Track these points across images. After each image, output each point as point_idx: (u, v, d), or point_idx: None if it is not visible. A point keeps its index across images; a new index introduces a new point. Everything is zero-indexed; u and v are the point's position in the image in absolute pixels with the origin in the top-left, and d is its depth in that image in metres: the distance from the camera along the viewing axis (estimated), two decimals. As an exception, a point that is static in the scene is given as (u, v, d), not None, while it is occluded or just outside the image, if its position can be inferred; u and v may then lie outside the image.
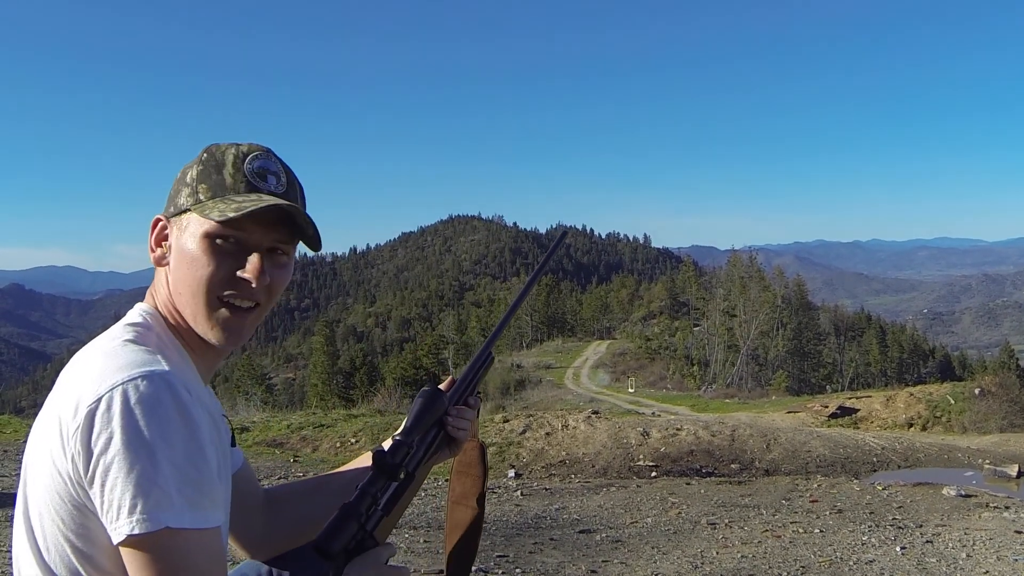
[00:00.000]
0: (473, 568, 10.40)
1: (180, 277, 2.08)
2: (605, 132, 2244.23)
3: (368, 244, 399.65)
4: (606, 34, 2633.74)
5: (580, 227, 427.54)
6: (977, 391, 39.37)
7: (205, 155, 2.13)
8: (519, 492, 17.09)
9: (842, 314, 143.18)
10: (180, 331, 2.12)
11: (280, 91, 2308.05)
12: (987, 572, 10.92)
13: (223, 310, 2.08)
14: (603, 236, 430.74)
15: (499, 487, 17.77)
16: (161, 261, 2.12)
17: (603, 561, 11.25)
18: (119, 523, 1.75)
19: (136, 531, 1.73)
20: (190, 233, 2.06)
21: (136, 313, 2.11)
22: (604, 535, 13.15)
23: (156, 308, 2.13)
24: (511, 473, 20.35)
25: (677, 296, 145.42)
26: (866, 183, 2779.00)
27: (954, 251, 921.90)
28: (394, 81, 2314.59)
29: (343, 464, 2.59)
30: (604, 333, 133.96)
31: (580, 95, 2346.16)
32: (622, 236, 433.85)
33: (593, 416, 25.23)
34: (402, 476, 2.16)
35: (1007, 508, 15.75)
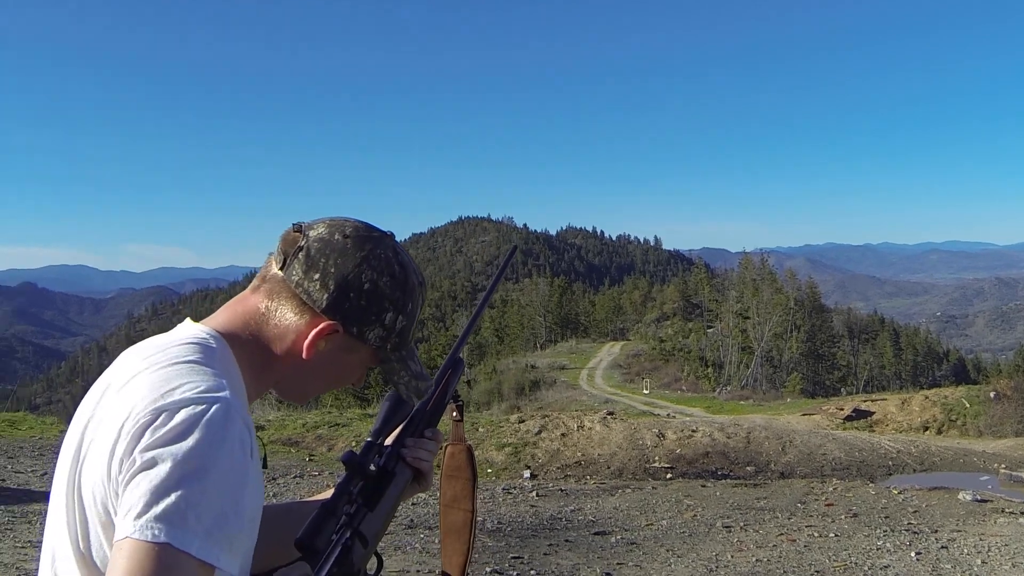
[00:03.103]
0: (488, 569, 10.44)
1: (319, 376, 2.14)
2: (616, 135, 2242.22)
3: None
4: (619, 38, 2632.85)
5: (590, 229, 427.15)
6: (992, 395, 39.23)
7: (410, 306, 2.16)
8: (534, 493, 17.09)
9: (855, 316, 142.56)
10: (258, 365, 2.10)
11: (291, 95, 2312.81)
12: (1003, 579, 10.90)
13: None
14: (613, 238, 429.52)
15: (514, 488, 17.78)
16: (312, 353, 2.08)
17: (618, 564, 11.26)
18: (124, 522, 1.68)
19: (136, 535, 1.65)
20: (358, 359, 2.16)
21: (199, 330, 2.05)
22: (619, 537, 13.15)
23: (234, 335, 2.08)
24: (526, 474, 20.35)
25: (690, 298, 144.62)
26: (876, 186, 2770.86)
27: (965, 254, 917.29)
28: (406, 84, 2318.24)
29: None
30: (618, 334, 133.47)
31: (591, 98, 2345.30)
32: (633, 238, 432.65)
33: (608, 417, 25.22)
34: (374, 471, 2.20)
35: (1023, 514, 15.69)
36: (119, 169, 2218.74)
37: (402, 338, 2.17)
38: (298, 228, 2.14)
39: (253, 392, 2.10)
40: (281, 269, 2.09)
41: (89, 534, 1.85)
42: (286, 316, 2.08)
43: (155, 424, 1.76)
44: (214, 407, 1.79)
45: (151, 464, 1.71)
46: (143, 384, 1.86)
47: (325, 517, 2.00)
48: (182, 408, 1.77)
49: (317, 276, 2.05)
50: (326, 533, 1.99)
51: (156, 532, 1.65)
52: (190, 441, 1.73)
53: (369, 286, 2.07)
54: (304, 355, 2.07)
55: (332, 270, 2.05)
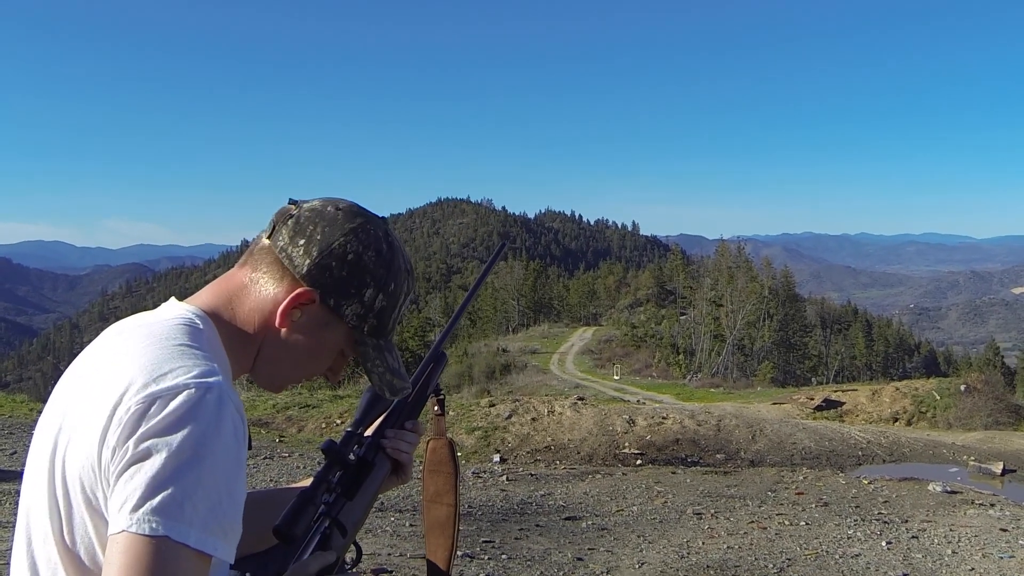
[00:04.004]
0: (459, 553, 10.38)
1: (293, 355, 2.08)
2: (596, 120, 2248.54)
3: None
4: (599, 22, 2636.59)
5: (569, 213, 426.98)
6: (963, 388, 39.43)
7: (393, 286, 2.09)
8: (504, 477, 17.08)
9: (829, 307, 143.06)
10: (237, 342, 2.04)
11: (270, 71, 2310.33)
12: (973, 569, 10.92)
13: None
14: (591, 222, 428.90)
15: (484, 472, 17.78)
16: (286, 323, 2.03)
17: (589, 549, 11.24)
18: (120, 515, 1.65)
19: (132, 529, 1.62)
20: (333, 338, 2.08)
21: (185, 310, 2.00)
22: (590, 523, 13.16)
23: (217, 314, 2.03)
24: (496, 458, 20.37)
25: (664, 284, 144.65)
26: (856, 177, 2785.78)
27: (942, 247, 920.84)
28: (385, 64, 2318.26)
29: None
30: (590, 319, 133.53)
31: (571, 82, 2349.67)
32: (610, 223, 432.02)
33: (579, 402, 25.28)
34: (353, 460, 2.21)
35: (992, 505, 15.76)
36: (99, 144, 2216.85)
37: (380, 321, 2.10)
38: (294, 202, 2.10)
39: (237, 371, 2.05)
40: (268, 238, 2.06)
41: (73, 519, 1.81)
42: (266, 286, 2.03)
43: (149, 412, 1.71)
44: (208, 393, 1.75)
45: (146, 455, 1.68)
46: (133, 367, 1.81)
47: (304, 505, 2.01)
48: (177, 395, 1.73)
49: (302, 242, 2.01)
50: (304, 521, 2.00)
51: (154, 525, 1.63)
52: (185, 430, 1.70)
53: (353, 257, 2.02)
54: (277, 323, 2.01)
55: (318, 237, 2.01)
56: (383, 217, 2.14)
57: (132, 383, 1.76)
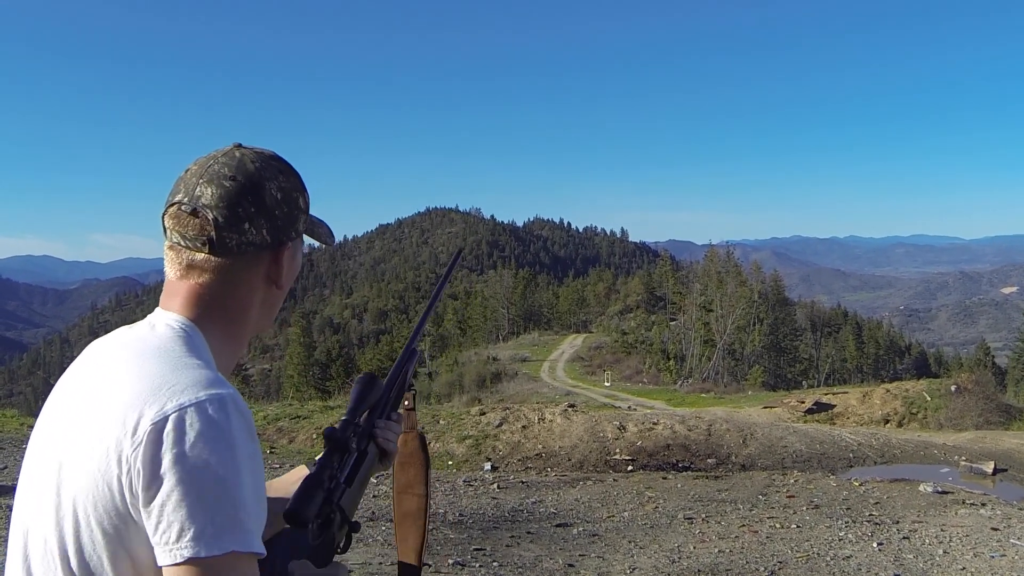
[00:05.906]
0: (450, 562, 10.37)
1: (284, 292, 2.21)
2: (583, 127, 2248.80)
3: (345, 235, 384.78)
4: (586, 29, 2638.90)
5: (557, 220, 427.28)
6: (953, 388, 39.48)
7: (300, 177, 2.22)
8: (495, 485, 17.05)
9: (819, 310, 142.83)
10: (225, 344, 2.11)
11: (257, 82, 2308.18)
12: (964, 569, 10.94)
13: None
14: (580, 230, 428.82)
15: (475, 480, 17.76)
16: (280, 279, 2.16)
17: (580, 555, 11.23)
18: (180, 544, 1.72)
19: (202, 554, 1.71)
20: (299, 252, 2.24)
21: (173, 319, 2.04)
22: (581, 529, 13.13)
23: (204, 321, 2.06)
24: (487, 466, 20.31)
25: (654, 290, 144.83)
26: (843, 180, 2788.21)
27: (931, 248, 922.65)
28: (374, 74, 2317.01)
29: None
30: (580, 327, 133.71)
31: (558, 90, 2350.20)
32: (599, 230, 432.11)
33: (569, 409, 25.21)
34: (354, 448, 2.27)
35: (983, 505, 15.77)
36: (87, 158, 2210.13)
37: (309, 210, 2.24)
38: (191, 210, 2.05)
39: (230, 367, 2.13)
40: (211, 252, 2.06)
41: (81, 539, 1.82)
42: (248, 280, 2.11)
43: (166, 430, 1.77)
44: (223, 403, 1.82)
45: (186, 479, 1.74)
46: (139, 382, 1.85)
47: (313, 488, 2.08)
48: (196, 410, 1.79)
49: (248, 226, 2.06)
50: (314, 504, 2.06)
51: (223, 545, 1.73)
52: (217, 447, 1.78)
53: (282, 195, 2.12)
54: (281, 288, 2.17)
55: (252, 210, 2.06)
56: (236, 143, 2.19)
57: (143, 399, 1.81)
